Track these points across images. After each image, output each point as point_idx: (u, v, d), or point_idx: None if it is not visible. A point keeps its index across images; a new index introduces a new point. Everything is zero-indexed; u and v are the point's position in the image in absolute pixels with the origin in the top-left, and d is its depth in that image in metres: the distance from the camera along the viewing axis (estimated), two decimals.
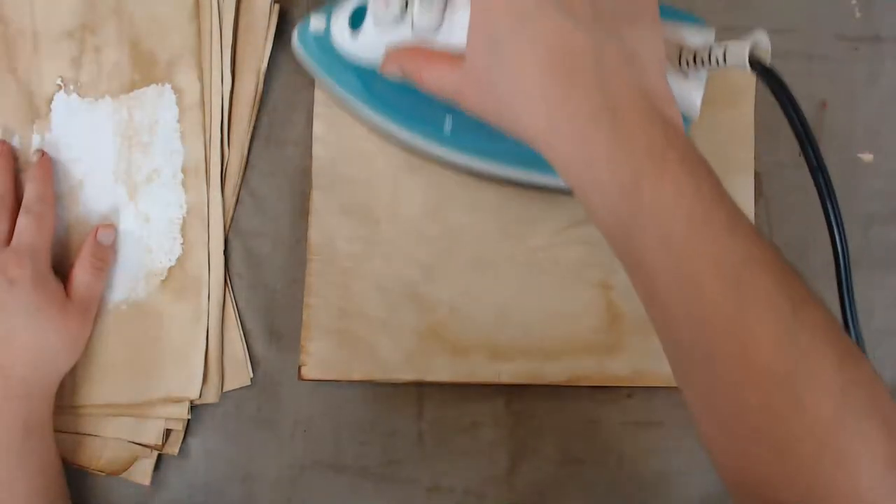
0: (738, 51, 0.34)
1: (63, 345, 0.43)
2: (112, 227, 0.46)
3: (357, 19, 0.40)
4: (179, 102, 0.47)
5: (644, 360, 0.46)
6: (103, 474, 0.46)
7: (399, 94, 0.41)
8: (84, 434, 0.46)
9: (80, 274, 0.44)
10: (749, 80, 0.47)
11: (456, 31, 0.36)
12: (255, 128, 0.48)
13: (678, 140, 0.30)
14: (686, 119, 0.39)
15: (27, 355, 0.42)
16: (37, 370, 0.42)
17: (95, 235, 0.45)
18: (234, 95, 0.47)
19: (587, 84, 0.30)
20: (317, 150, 0.47)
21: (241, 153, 0.47)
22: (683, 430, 0.47)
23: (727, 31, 0.48)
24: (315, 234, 0.47)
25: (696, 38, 0.37)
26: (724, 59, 0.34)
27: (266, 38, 0.47)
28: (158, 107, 0.47)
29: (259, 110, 0.48)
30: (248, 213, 0.48)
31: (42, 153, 0.46)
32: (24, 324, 0.42)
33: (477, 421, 0.47)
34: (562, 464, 0.47)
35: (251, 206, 0.48)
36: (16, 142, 0.47)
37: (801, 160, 0.48)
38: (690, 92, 0.37)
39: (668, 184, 0.29)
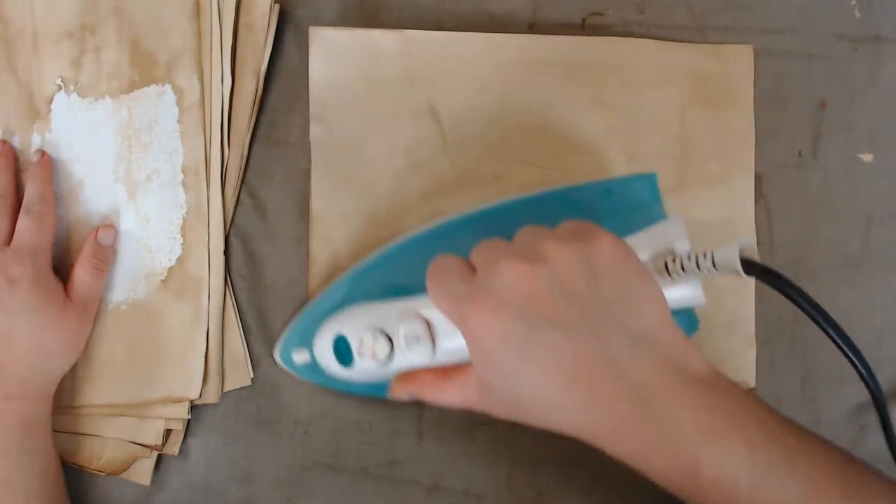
0: (728, 258, 0.33)
1: (62, 345, 0.43)
2: (112, 228, 0.46)
3: (343, 352, 0.41)
4: (179, 103, 0.47)
5: None
6: (103, 474, 0.46)
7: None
8: (84, 434, 0.46)
9: (81, 274, 0.44)
10: (748, 80, 0.47)
11: (453, 355, 0.37)
12: (254, 128, 0.48)
13: (713, 396, 0.31)
14: (692, 316, 0.40)
15: (26, 356, 0.42)
16: (36, 370, 0.42)
17: (96, 236, 0.45)
18: (234, 96, 0.47)
19: (609, 383, 0.31)
20: (315, 153, 0.47)
21: (241, 153, 0.47)
22: None
23: (727, 32, 0.48)
24: (315, 237, 0.47)
25: (670, 231, 0.37)
26: (715, 267, 0.34)
27: (266, 39, 0.47)
28: (158, 107, 0.47)
29: (259, 110, 0.48)
30: (248, 213, 0.48)
31: (42, 153, 0.46)
32: (23, 324, 0.41)
33: (477, 421, 0.47)
34: (562, 465, 0.47)
35: (251, 207, 0.48)
36: (16, 142, 0.47)
37: (801, 160, 0.48)
38: (689, 289, 0.37)
39: (723, 454, 0.30)
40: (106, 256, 0.45)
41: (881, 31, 0.48)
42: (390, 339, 0.39)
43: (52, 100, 0.47)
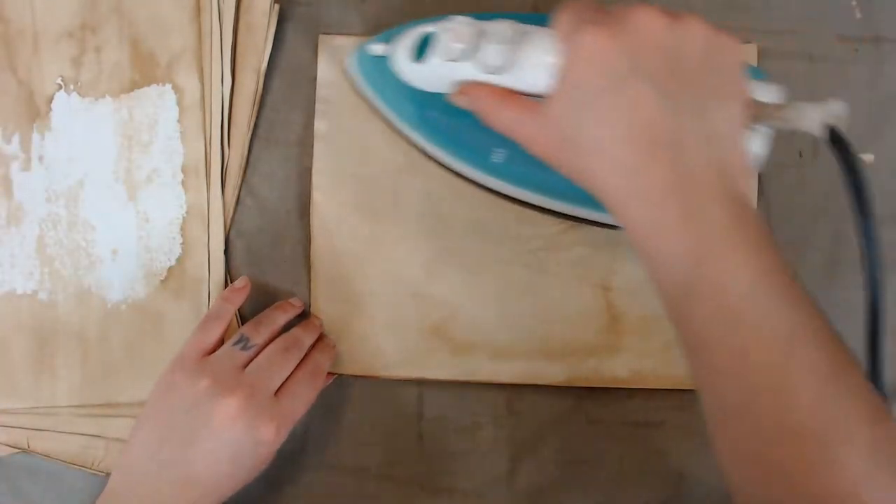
0: (813, 115, 0.33)
1: (257, 466, 0.41)
2: (332, 350, 0.46)
3: (422, 49, 0.40)
4: (180, 102, 0.47)
5: (643, 362, 0.46)
6: (104, 474, 0.46)
7: (451, 123, 0.42)
8: (85, 434, 0.46)
9: (302, 385, 0.42)
10: None
11: (526, 75, 0.35)
12: (255, 127, 0.48)
13: (746, 216, 0.32)
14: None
15: (223, 481, 0.40)
16: (223, 485, 0.40)
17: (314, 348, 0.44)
18: (235, 95, 0.47)
19: (666, 158, 0.31)
20: (318, 149, 0.47)
21: (242, 153, 0.47)
22: (683, 430, 0.47)
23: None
24: (317, 234, 0.47)
25: (765, 95, 0.36)
26: (795, 121, 0.34)
27: (266, 38, 0.47)
28: (159, 107, 0.47)
29: (259, 110, 0.48)
30: (248, 212, 0.48)
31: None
32: (234, 467, 0.40)
33: (477, 421, 0.47)
34: (562, 464, 0.47)
35: (251, 206, 0.48)
36: (16, 141, 0.47)
37: (802, 160, 0.48)
38: (755, 147, 0.36)
39: (729, 261, 0.31)
40: (323, 370, 0.44)
41: (882, 31, 0.48)
42: (472, 44, 0.37)
43: (52, 99, 0.47)
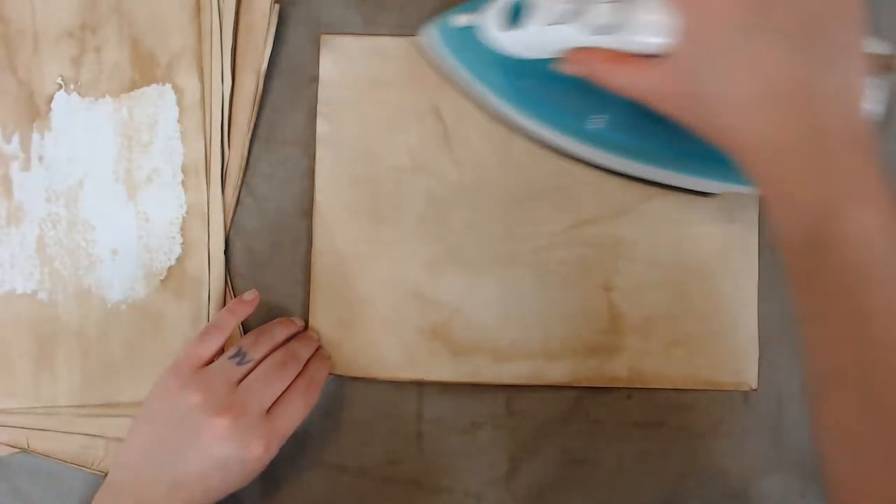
0: None
1: (246, 477, 0.41)
2: (329, 362, 0.46)
3: (516, 15, 0.38)
4: (180, 102, 0.47)
5: (643, 362, 0.46)
6: (103, 475, 0.46)
7: (546, 91, 0.41)
8: (85, 434, 0.46)
9: (294, 402, 0.42)
10: None
11: (638, 33, 0.34)
12: (255, 128, 0.48)
13: (876, 169, 0.31)
14: None
15: (212, 488, 0.40)
16: (211, 494, 0.40)
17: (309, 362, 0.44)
18: (235, 95, 0.47)
19: (800, 110, 0.32)
20: (320, 152, 0.47)
21: (242, 153, 0.47)
22: (683, 430, 0.47)
23: None
24: (319, 233, 0.47)
25: (878, 48, 0.36)
26: None
27: (266, 39, 0.47)
28: (159, 107, 0.47)
29: (259, 110, 0.48)
30: (248, 213, 0.48)
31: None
32: (224, 478, 0.40)
33: (477, 421, 0.47)
34: (562, 464, 0.47)
35: (251, 206, 0.48)
36: (16, 141, 0.47)
37: None
38: (873, 99, 0.36)
39: (870, 210, 0.30)
40: (319, 384, 0.44)
41: (882, 32, 0.48)
42: (577, 4, 0.36)
43: (52, 99, 0.47)
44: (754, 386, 0.46)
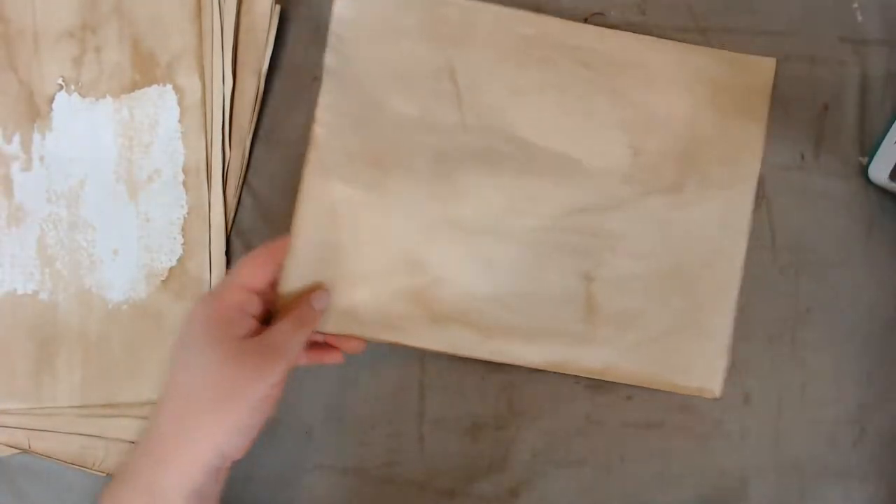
0: None
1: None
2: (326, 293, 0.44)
3: None
4: (180, 103, 0.47)
5: (614, 355, 0.46)
6: (104, 475, 0.46)
7: None
8: (85, 434, 0.46)
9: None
10: (765, 93, 0.47)
11: None
12: (256, 128, 0.47)
13: None
14: None
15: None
16: None
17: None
18: (236, 96, 0.47)
19: None
20: (326, 83, 0.44)
21: (243, 153, 0.47)
22: (683, 431, 0.47)
23: (729, 34, 0.48)
24: (311, 170, 0.44)
25: None
26: None
27: (267, 39, 0.47)
28: (159, 107, 0.47)
29: (260, 110, 0.48)
30: (249, 213, 0.48)
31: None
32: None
33: (477, 422, 0.47)
34: (562, 465, 0.47)
35: (252, 207, 0.48)
36: (17, 141, 0.47)
37: (804, 163, 0.48)
38: None
39: None
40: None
41: (883, 33, 0.48)
42: None
43: (53, 99, 0.47)
44: (718, 394, 0.46)
